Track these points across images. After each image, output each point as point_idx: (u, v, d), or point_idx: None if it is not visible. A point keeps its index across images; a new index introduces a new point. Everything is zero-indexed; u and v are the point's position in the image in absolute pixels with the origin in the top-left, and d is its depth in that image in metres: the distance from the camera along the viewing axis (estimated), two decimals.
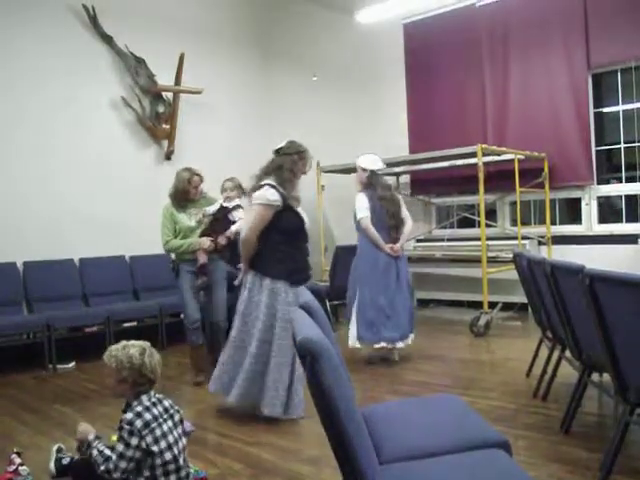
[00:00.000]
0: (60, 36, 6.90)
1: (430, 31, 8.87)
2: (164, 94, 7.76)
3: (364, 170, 5.59)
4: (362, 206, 5.50)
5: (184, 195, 5.22)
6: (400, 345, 5.53)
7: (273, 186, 4.07)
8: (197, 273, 5.12)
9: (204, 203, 5.31)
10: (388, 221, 5.52)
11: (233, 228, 5.11)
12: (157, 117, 7.68)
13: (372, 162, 5.59)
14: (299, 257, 4.21)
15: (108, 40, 7.26)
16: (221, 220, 5.14)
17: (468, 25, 8.45)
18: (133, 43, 7.39)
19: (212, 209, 5.21)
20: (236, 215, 5.17)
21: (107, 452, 2.60)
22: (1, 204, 6.40)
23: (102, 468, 2.57)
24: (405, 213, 5.69)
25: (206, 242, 5.06)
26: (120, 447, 2.56)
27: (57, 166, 6.81)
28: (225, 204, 5.21)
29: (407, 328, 5.53)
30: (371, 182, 5.56)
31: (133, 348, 2.69)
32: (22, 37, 6.61)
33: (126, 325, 6.46)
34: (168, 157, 7.81)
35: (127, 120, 7.51)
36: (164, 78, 7.67)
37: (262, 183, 4.13)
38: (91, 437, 2.70)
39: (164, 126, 7.74)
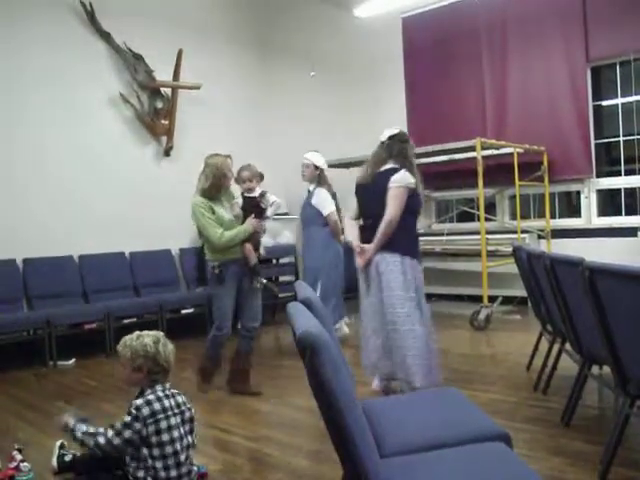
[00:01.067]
0: (58, 33, 6.87)
1: (429, 25, 8.87)
2: (163, 90, 7.74)
3: (316, 168, 5.94)
4: (328, 200, 5.92)
5: (222, 182, 4.66)
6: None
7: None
8: (251, 275, 4.72)
9: (228, 196, 4.86)
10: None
11: (269, 212, 4.89)
12: (156, 113, 7.66)
13: (322, 160, 5.99)
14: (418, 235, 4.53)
15: (106, 36, 7.24)
16: (250, 212, 4.76)
17: (467, 19, 8.45)
18: (131, 39, 7.37)
19: (240, 201, 4.87)
20: (269, 200, 4.87)
21: (92, 429, 2.65)
22: (1, 202, 6.39)
23: (91, 443, 2.60)
24: None
25: (255, 222, 4.68)
26: (119, 425, 2.59)
27: (55, 163, 6.79)
28: (249, 194, 4.88)
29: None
30: (321, 179, 5.98)
31: (147, 337, 2.72)
32: (19, 34, 6.58)
33: (126, 321, 6.45)
34: (167, 153, 7.80)
35: (126, 116, 7.49)
36: (162, 74, 7.65)
37: (391, 167, 4.24)
38: (71, 422, 2.71)
39: (163, 122, 7.72)
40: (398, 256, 4.13)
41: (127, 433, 2.57)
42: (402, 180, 4.15)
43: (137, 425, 2.57)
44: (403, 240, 4.16)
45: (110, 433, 2.59)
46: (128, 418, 2.59)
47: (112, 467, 2.74)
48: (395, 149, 4.30)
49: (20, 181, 6.54)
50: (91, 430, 2.65)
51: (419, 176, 4.32)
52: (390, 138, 4.34)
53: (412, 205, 4.21)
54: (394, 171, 4.19)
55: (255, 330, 4.79)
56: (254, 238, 4.71)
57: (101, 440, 2.59)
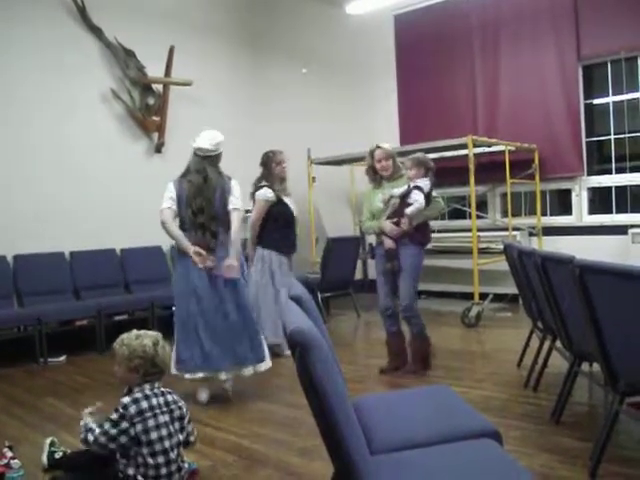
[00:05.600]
0: (48, 28, 6.82)
1: (421, 22, 8.87)
2: (154, 86, 7.71)
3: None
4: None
5: (373, 170, 4.99)
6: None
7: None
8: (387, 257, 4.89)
9: (399, 183, 4.92)
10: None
11: (407, 211, 4.73)
12: (147, 109, 7.63)
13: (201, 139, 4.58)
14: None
15: (97, 32, 7.20)
16: (405, 203, 4.80)
17: (459, 16, 8.46)
18: (122, 35, 7.32)
19: (399, 191, 4.82)
20: (412, 198, 4.77)
21: (91, 425, 2.63)
22: None
23: (81, 437, 2.63)
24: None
25: (387, 226, 4.80)
26: (107, 425, 2.58)
27: (46, 159, 6.76)
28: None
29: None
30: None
31: (147, 338, 2.70)
32: (9, 29, 6.54)
33: (117, 318, 6.44)
34: (158, 149, 7.77)
35: (117, 113, 7.45)
36: (154, 70, 7.62)
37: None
38: (86, 411, 2.74)
39: (154, 118, 7.69)
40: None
41: (113, 431, 2.55)
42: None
43: (124, 424, 2.55)
44: None
45: (97, 431, 2.58)
46: (115, 416, 2.58)
47: (101, 464, 2.73)
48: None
49: (10, 177, 6.50)
50: (90, 425, 2.64)
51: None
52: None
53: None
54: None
55: (402, 310, 4.91)
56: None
57: (90, 437, 2.58)
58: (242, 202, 4.51)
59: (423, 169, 4.84)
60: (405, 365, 4.95)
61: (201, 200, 4.37)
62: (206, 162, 4.48)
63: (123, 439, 2.56)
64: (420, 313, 4.95)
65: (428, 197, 4.81)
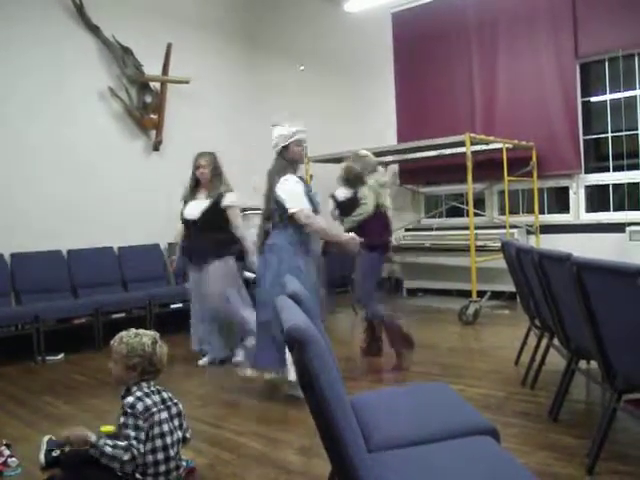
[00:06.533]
0: (46, 26, 6.80)
1: (419, 20, 8.87)
2: (152, 84, 7.70)
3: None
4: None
5: None
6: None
7: None
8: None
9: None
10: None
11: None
12: (145, 107, 7.61)
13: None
14: None
15: (95, 30, 7.18)
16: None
17: (457, 14, 8.46)
18: (120, 33, 7.31)
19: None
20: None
21: (121, 443, 2.55)
22: None
23: (126, 458, 2.52)
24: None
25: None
26: (132, 433, 2.56)
27: (44, 157, 6.74)
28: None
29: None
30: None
31: (145, 337, 2.72)
32: (8, 28, 6.51)
33: (115, 316, 6.43)
34: (156, 147, 7.76)
35: (114, 111, 7.44)
36: (151, 68, 7.60)
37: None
38: (93, 438, 2.58)
39: (152, 116, 7.68)
40: None
41: (142, 435, 2.55)
42: None
43: (140, 422, 2.56)
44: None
45: (134, 443, 2.52)
46: (130, 420, 2.57)
47: (99, 462, 2.72)
48: None
49: (7, 176, 6.48)
50: (122, 444, 2.54)
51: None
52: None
53: None
54: None
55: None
56: None
57: (130, 454, 2.51)
58: (296, 201, 4.22)
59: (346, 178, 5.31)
60: (378, 353, 5.42)
61: (265, 199, 4.42)
62: (276, 158, 4.58)
63: (142, 436, 2.56)
64: (377, 309, 5.11)
65: (350, 204, 5.22)
